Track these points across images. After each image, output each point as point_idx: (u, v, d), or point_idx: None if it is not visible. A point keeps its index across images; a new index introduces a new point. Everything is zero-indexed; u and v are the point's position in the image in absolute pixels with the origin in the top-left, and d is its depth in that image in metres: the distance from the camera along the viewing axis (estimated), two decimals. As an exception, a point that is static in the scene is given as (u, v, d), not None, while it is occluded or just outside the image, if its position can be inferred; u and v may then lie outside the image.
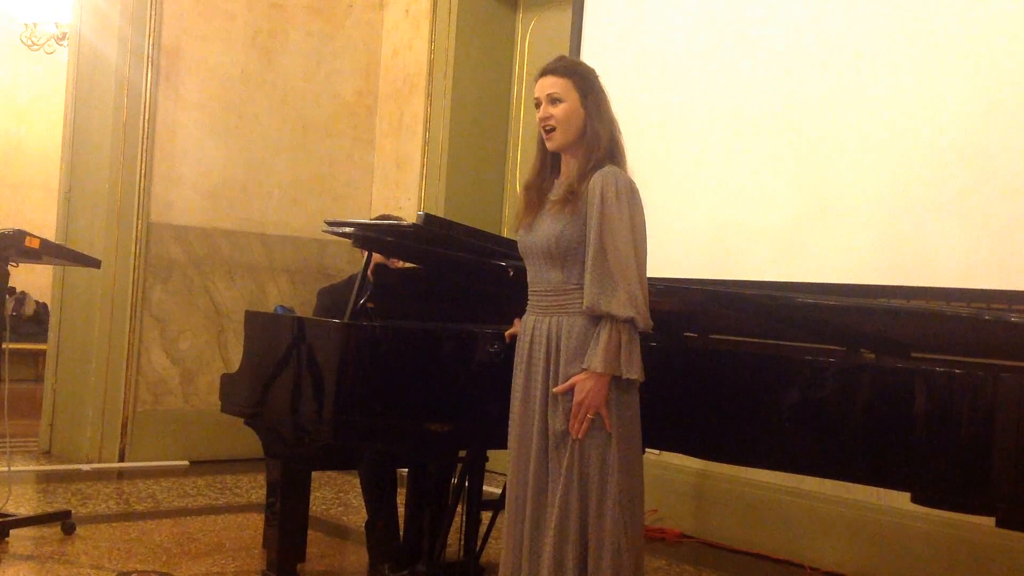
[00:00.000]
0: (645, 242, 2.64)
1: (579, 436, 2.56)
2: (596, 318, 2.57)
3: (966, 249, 3.76)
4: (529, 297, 2.78)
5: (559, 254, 2.64)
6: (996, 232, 3.69)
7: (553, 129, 2.67)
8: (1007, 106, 3.70)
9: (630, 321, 2.54)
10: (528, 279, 2.78)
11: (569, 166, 2.71)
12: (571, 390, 2.58)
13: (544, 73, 2.71)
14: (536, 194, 2.75)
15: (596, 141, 2.65)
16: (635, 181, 2.67)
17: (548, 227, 2.66)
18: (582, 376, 2.55)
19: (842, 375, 2.81)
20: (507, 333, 3.06)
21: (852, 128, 4.15)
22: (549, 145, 2.71)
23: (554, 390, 2.60)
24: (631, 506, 2.60)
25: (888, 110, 4.04)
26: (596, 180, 2.59)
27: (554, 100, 2.66)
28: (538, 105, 2.70)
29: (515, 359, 2.78)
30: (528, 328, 2.73)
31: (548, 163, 2.77)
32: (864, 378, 2.77)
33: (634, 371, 2.57)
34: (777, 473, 4.18)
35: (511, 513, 2.73)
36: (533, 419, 2.67)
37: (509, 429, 2.77)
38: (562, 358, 2.62)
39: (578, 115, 2.66)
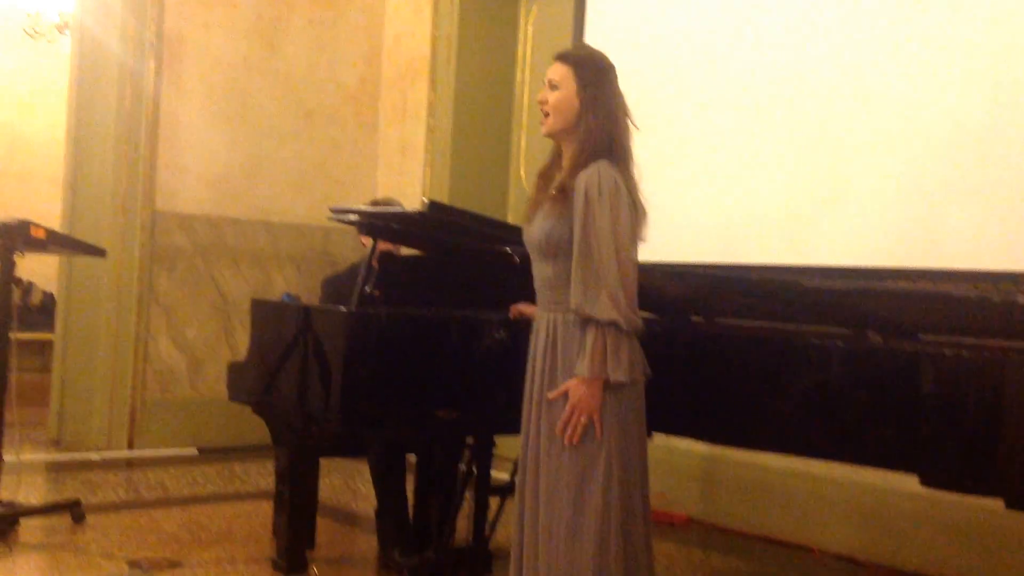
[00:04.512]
0: (631, 238, 2.57)
1: (570, 443, 2.51)
2: (584, 321, 2.54)
3: (974, 231, 3.74)
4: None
5: (549, 251, 2.62)
6: (1004, 213, 3.67)
7: (547, 115, 2.65)
8: (1015, 89, 3.68)
9: (613, 324, 2.49)
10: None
11: (565, 158, 2.68)
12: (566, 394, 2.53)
13: (555, 58, 2.68)
14: (543, 182, 2.73)
15: (588, 135, 2.59)
16: (642, 169, 2.64)
17: (541, 223, 2.64)
18: (574, 382, 2.52)
19: (850, 358, 2.81)
20: (513, 307, 3.06)
21: (860, 112, 4.13)
22: (542, 130, 2.69)
23: (549, 396, 2.56)
24: (618, 514, 2.52)
25: (895, 94, 4.02)
26: (581, 178, 2.54)
27: (552, 86, 2.63)
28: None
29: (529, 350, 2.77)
30: (536, 322, 2.72)
31: (558, 152, 2.73)
32: (872, 360, 2.77)
33: (621, 374, 2.50)
34: (785, 456, 4.17)
35: (518, 501, 2.72)
36: (531, 415, 2.65)
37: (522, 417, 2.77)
38: (559, 357, 2.59)
39: (570, 105, 2.60)
